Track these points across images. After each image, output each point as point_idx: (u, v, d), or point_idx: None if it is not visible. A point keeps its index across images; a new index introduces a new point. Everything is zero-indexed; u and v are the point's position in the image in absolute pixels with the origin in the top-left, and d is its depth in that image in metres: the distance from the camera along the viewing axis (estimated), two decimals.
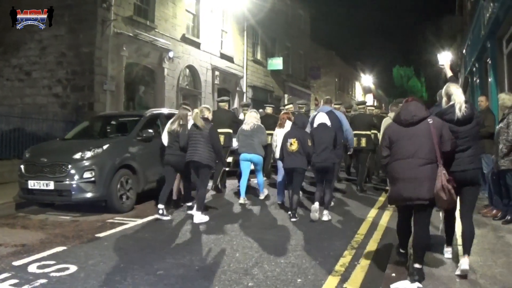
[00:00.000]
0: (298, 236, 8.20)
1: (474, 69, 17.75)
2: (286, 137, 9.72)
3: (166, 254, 7.08)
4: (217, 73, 26.55)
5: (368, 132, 13.60)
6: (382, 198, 12.18)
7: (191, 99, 24.64)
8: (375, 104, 39.34)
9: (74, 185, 9.86)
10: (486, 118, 10.31)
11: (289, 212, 9.67)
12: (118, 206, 10.30)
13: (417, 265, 5.53)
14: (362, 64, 66.21)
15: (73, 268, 6.34)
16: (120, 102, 18.96)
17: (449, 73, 7.22)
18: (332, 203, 10.63)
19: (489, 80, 13.27)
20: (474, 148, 5.82)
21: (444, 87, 6.17)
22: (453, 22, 26.04)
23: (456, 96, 5.85)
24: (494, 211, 9.01)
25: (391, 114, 10.92)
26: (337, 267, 6.47)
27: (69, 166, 9.92)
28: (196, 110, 9.96)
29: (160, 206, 9.63)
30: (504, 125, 8.36)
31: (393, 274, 5.71)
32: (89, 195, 9.97)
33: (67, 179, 9.87)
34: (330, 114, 10.64)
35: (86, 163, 10.02)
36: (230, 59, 28.46)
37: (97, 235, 8.28)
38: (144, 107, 20.04)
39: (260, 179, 11.87)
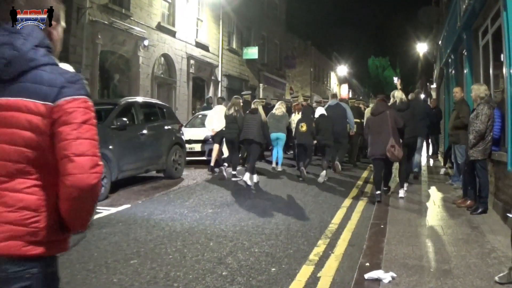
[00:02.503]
0: (272, 225, 8.22)
1: (449, 60, 17.81)
2: (298, 122, 13.74)
3: (140, 243, 7.04)
4: (192, 61, 26.45)
5: (358, 120, 16.99)
6: (356, 188, 12.34)
7: (166, 88, 24.57)
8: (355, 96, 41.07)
9: None
10: (460, 110, 10.42)
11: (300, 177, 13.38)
12: None
13: (378, 192, 9.98)
14: (337, 54, 66.12)
15: None
16: (95, 90, 18.76)
17: (399, 87, 11.41)
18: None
19: (465, 71, 13.33)
20: (410, 125, 10.72)
21: (394, 93, 11.68)
22: (429, 13, 26.13)
23: (397, 98, 11.37)
24: (469, 202, 9.08)
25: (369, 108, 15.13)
26: (311, 256, 6.50)
27: None
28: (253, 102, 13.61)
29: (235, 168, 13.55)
30: (474, 115, 8.45)
31: (367, 264, 5.74)
32: None
33: None
34: (337, 106, 15.47)
35: None
36: (205, 48, 28.37)
37: None
38: (118, 96, 19.90)
39: (280, 154, 15.15)
